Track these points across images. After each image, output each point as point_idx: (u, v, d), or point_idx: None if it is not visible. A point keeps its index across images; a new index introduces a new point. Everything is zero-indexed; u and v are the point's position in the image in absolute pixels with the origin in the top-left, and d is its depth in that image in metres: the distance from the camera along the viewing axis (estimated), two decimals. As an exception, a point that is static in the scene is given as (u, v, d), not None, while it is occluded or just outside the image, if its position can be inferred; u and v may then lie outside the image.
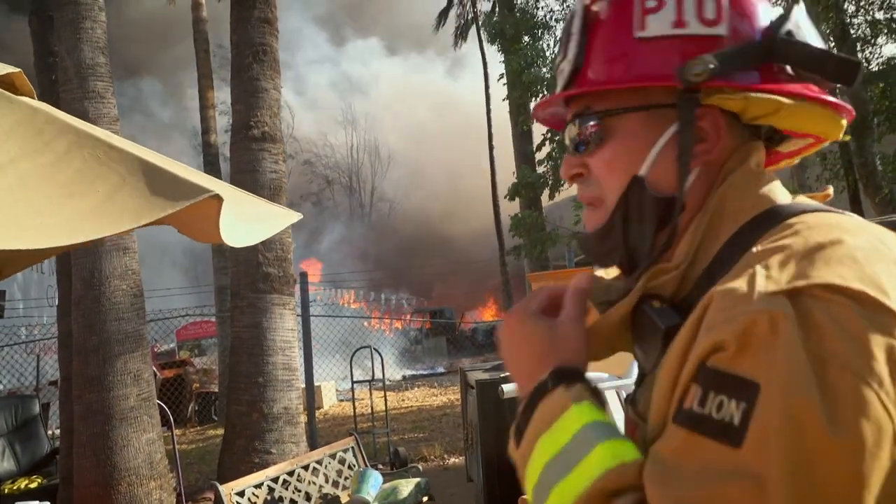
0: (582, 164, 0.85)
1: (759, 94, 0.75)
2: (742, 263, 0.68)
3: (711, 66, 0.74)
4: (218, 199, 2.07)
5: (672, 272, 0.76)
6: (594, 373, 3.08)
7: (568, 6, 15.57)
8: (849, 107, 0.80)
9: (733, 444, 0.57)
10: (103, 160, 2.19)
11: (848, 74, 0.76)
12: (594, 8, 0.83)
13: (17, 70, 2.60)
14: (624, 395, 2.85)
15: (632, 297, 0.78)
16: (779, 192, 0.78)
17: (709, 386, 0.61)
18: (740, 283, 0.63)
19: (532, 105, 14.82)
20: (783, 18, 0.78)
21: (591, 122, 0.82)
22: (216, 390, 13.08)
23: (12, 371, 12.04)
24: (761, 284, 0.62)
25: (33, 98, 2.63)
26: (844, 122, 0.81)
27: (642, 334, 0.78)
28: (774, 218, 0.73)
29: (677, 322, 0.71)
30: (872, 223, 0.71)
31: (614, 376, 3.39)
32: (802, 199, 0.79)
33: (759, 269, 0.64)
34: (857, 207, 13.17)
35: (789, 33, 0.77)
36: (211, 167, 13.69)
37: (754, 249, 0.68)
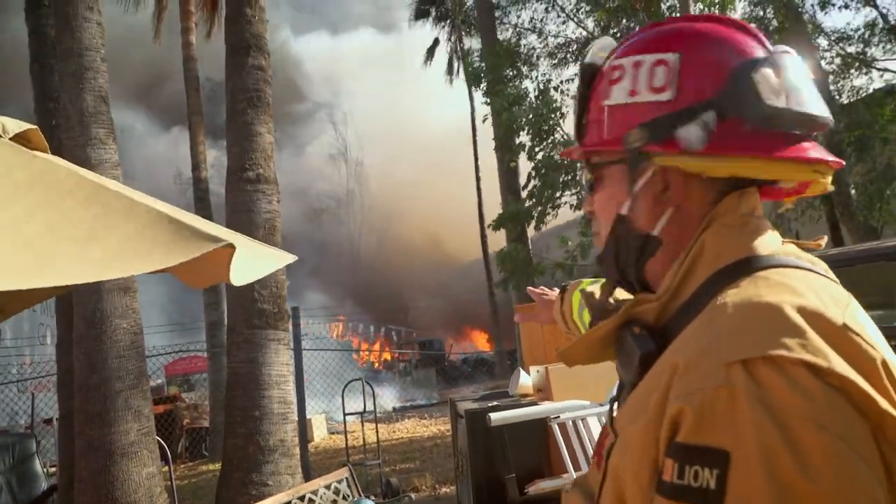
0: (591, 202, 1.00)
1: (690, 159, 0.83)
2: (705, 315, 0.77)
3: (646, 133, 0.85)
4: (231, 247, 2.27)
5: (653, 302, 0.85)
6: (578, 401, 3.27)
7: (548, 43, 15.98)
8: (825, 157, 0.84)
9: None
10: (121, 211, 2.36)
11: (807, 126, 0.83)
12: (589, 76, 0.97)
13: (34, 127, 2.79)
14: (604, 421, 3.05)
15: (614, 320, 0.88)
16: (763, 240, 0.84)
17: (684, 460, 0.67)
18: (699, 353, 0.71)
19: (518, 141, 15.16)
20: (743, 71, 0.83)
21: (590, 171, 0.99)
22: (207, 425, 13.06)
23: (4, 408, 12.02)
24: (719, 356, 0.69)
25: (48, 153, 2.81)
26: (822, 176, 0.86)
27: (622, 353, 0.87)
28: (747, 268, 0.80)
29: (652, 350, 0.81)
30: (827, 282, 0.80)
31: (596, 403, 3.59)
32: (789, 248, 0.86)
33: (716, 339, 0.71)
34: (836, 235, 13.46)
35: (745, 89, 0.82)
36: (201, 202, 13.86)
37: (718, 300, 0.76)
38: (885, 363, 0.69)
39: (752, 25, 0.92)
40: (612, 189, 0.94)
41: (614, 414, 0.90)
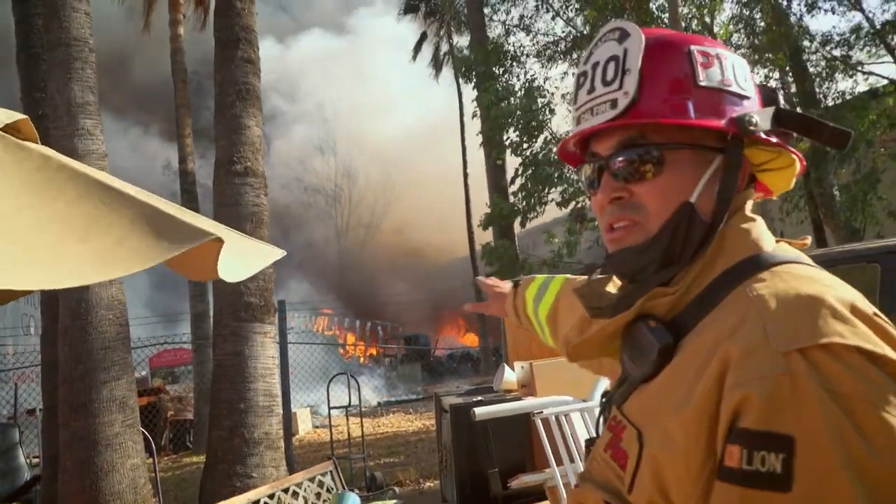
0: (625, 189, 0.91)
1: (786, 152, 0.91)
2: (738, 306, 0.79)
3: (759, 121, 0.87)
4: (219, 241, 2.29)
5: (669, 296, 0.86)
6: (562, 396, 3.32)
7: (539, 40, 16.00)
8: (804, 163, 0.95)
9: (783, 490, 0.67)
10: (113, 206, 2.34)
11: (841, 140, 0.89)
12: (649, 51, 0.91)
13: (25, 117, 2.79)
14: (587, 416, 3.09)
15: (631, 313, 0.88)
16: (766, 238, 0.89)
17: (751, 446, 0.69)
18: (755, 343, 0.73)
19: (506, 138, 15.17)
20: (775, 94, 0.94)
21: (653, 152, 0.89)
22: (191, 418, 13.05)
23: (-15, 399, 11.95)
24: (776, 345, 0.71)
25: (37, 143, 2.81)
26: (793, 182, 0.99)
27: (635, 346, 0.87)
28: (762, 263, 0.84)
29: (670, 342, 0.83)
30: (834, 276, 0.84)
31: (579, 399, 3.63)
32: (784, 246, 0.90)
33: (768, 327, 0.73)
34: (819, 235, 13.60)
35: (786, 105, 0.93)
36: (188, 194, 13.82)
37: (752, 293, 0.79)
38: None
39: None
40: (680, 173, 0.89)
41: (624, 407, 0.88)
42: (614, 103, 0.91)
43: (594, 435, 1.01)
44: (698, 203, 0.88)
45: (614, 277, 1.00)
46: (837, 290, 0.77)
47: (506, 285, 1.75)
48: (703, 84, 0.90)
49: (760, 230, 0.90)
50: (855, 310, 0.74)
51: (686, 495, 0.75)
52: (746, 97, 0.92)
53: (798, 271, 0.82)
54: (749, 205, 0.93)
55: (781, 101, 0.93)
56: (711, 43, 0.94)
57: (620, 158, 0.91)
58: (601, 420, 0.99)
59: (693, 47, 0.91)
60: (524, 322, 1.66)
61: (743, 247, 0.87)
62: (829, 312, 0.73)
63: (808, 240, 1.00)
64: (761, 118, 0.88)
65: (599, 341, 0.94)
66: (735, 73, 0.92)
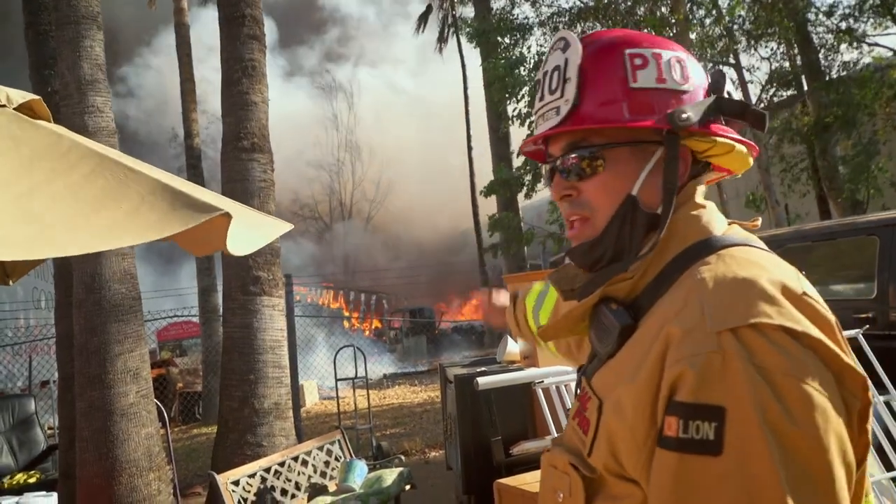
0: (572, 187, 1.01)
1: (721, 139, 0.97)
2: (684, 289, 0.87)
3: (691, 115, 0.94)
4: (227, 216, 2.38)
5: (627, 280, 0.94)
6: (562, 367, 3.43)
7: (542, 12, 15.88)
8: (756, 146, 1.02)
9: (715, 454, 0.75)
10: (124, 181, 2.41)
11: (761, 122, 0.97)
12: (587, 58, 1.00)
13: (37, 98, 2.86)
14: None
15: (594, 297, 0.96)
16: (716, 223, 0.97)
17: (686, 416, 0.77)
18: (693, 323, 0.81)
19: (510, 108, 15.16)
20: (721, 81, 1.00)
21: (592, 153, 0.98)
22: (199, 390, 13.26)
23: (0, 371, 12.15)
24: (711, 326, 0.79)
25: (51, 122, 2.88)
26: (751, 160, 1.04)
27: (599, 326, 0.95)
28: (710, 247, 0.91)
29: (629, 322, 0.91)
30: (777, 257, 0.92)
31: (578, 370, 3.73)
32: (735, 229, 0.98)
33: (705, 308, 0.81)
34: (823, 208, 13.61)
35: (728, 92, 0.99)
36: (194, 170, 13.89)
37: (697, 276, 0.87)
38: (836, 323, 0.83)
39: None
40: (620, 170, 0.97)
41: (591, 380, 0.96)
42: (557, 110, 1.00)
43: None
44: (642, 195, 0.97)
45: None
46: (771, 273, 0.85)
47: (504, 298, 1.83)
48: (636, 86, 0.97)
49: (711, 215, 0.98)
50: (785, 290, 0.82)
51: (634, 460, 0.84)
52: (684, 91, 0.98)
53: (741, 254, 0.90)
54: (700, 191, 1.00)
55: (728, 89, 1.00)
56: (650, 42, 1.01)
57: (566, 159, 1.01)
58: (577, 392, 1.07)
59: (627, 51, 0.99)
60: (525, 333, 1.72)
61: (693, 232, 0.95)
62: (760, 294, 0.81)
63: (759, 221, 1.07)
64: (694, 111, 0.95)
65: (567, 323, 1.02)
66: (671, 70, 0.98)
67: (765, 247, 0.95)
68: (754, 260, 0.88)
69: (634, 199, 0.96)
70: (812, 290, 0.85)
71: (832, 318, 0.82)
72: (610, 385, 0.91)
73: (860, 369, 0.80)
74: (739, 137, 0.99)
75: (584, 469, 0.91)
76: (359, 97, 39.71)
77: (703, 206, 0.98)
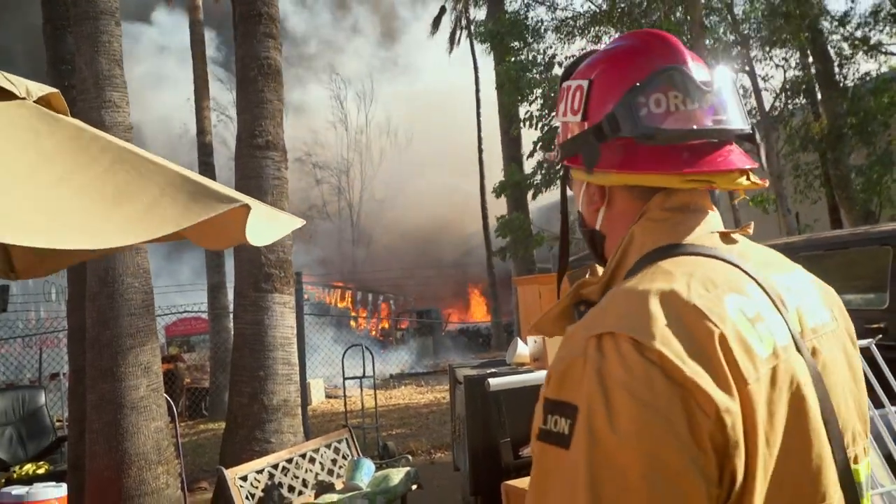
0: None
1: (590, 175, 1.01)
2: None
3: (559, 152, 1.06)
4: (245, 208, 2.40)
5: (595, 285, 1.00)
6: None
7: (558, 16, 15.89)
8: (722, 167, 0.95)
9: (565, 447, 0.79)
10: (144, 173, 2.43)
11: (693, 139, 0.94)
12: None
13: (56, 91, 2.88)
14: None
15: (565, 300, 1.03)
16: (680, 232, 0.95)
17: (549, 410, 0.82)
18: (574, 329, 0.87)
19: (522, 111, 15.16)
20: (630, 93, 0.95)
21: (564, 172, 1.12)
22: (207, 386, 13.30)
23: (9, 364, 12.22)
24: (584, 331, 0.84)
25: (68, 116, 2.91)
26: (693, 175, 0.95)
27: None
28: (654, 257, 0.93)
29: None
30: (717, 267, 0.89)
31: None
32: (703, 238, 0.95)
33: (589, 316, 0.88)
34: (835, 217, 13.54)
35: (626, 111, 0.94)
36: (206, 166, 13.95)
37: (614, 287, 0.93)
38: (722, 337, 0.80)
39: (676, 39, 1.03)
40: (574, 191, 1.12)
41: None
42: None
43: None
44: (583, 212, 1.09)
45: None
46: (671, 284, 0.85)
47: None
48: (561, 119, 1.07)
49: (675, 225, 0.96)
50: (673, 300, 0.82)
51: None
52: (578, 122, 1.02)
53: (670, 265, 0.89)
54: (668, 200, 0.97)
55: (629, 104, 0.95)
56: (585, 69, 1.04)
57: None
58: None
59: (565, 83, 1.07)
60: None
61: (652, 240, 0.96)
62: (633, 305, 0.83)
63: (751, 227, 1.06)
64: (563, 147, 1.06)
65: (549, 320, 1.07)
66: (571, 101, 1.03)
67: (721, 255, 0.93)
68: (673, 270, 0.88)
69: (579, 213, 1.11)
70: (720, 304, 0.83)
71: (720, 331, 0.80)
72: None
73: (714, 391, 0.77)
74: (631, 167, 0.96)
75: None
76: (370, 97, 39.78)
77: (668, 217, 0.97)
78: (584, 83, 1.02)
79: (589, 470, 0.76)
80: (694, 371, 0.77)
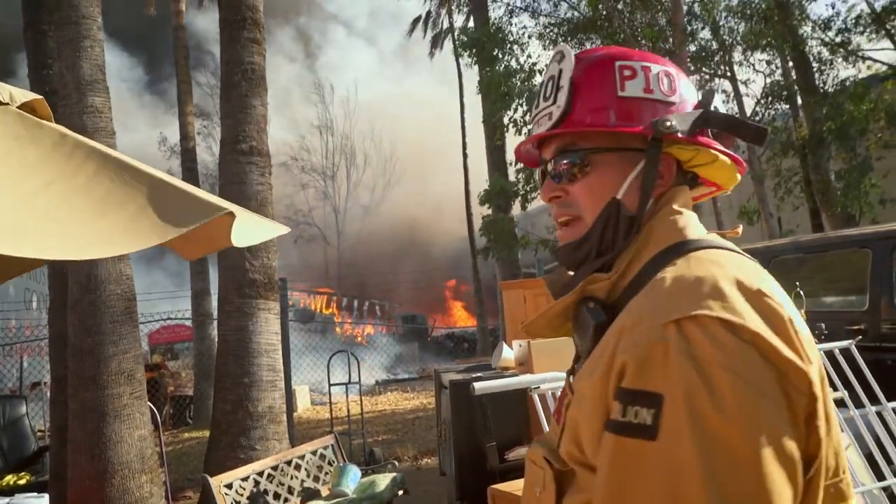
0: (561, 189, 1.06)
1: (705, 149, 1.03)
2: (648, 288, 0.91)
3: (675, 123, 0.99)
4: (230, 216, 2.39)
5: (605, 281, 0.98)
6: (557, 373, 3.45)
7: (541, 21, 15.98)
8: (743, 162, 1.08)
9: (650, 439, 0.78)
10: (129, 181, 2.41)
11: (759, 137, 1.02)
12: (580, 69, 1.06)
13: (40, 97, 2.86)
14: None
15: (572, 295, 1.00)
16: (692, 228, 1.00)
17: (627, 401, 0.81)
18: (641, 316, 0.85)
19: (505, 118, 15.23)
20: (710, 97, 1.05)
21: (580, 156, 1.04)
22: (191, 394, 13.20)
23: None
24: (658, 318, 0.83)
25: (52, 121, 2.88)
26: (739, 176, 1.10)
27: (579, 325, 0.99)
28: (682, 250, 0.95)
29: (604, 321, 0.94)
30: (744, 259, 0.94)
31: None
32: (712, 236, 1.01)
33: (656, 302, 0.86)
34: (816, 221, 13.69)
35: (715, 107, 1.04)
36: (190, 173, 13.88)
37: (658, 276, 0.90)
38: (791, 320, 0.84)
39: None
40: (606, 174, 1.03)
41: (571, 379, 1.02)
42: (550, 116, 1.07)
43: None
44: (626, 199, 1.02)
45: None
46: (728, 270, 0.88)
47: None
48: (624, 94, 1.03)
49: (687, 221, 1.01)
50: (739, 286, 0.85)
51: (592, 446, 0.87)
52: (671, 102, 1.04)
53: (707, 256, 0.93)
54: (679, 197, 1.04)
55: (716, 104, 1.05)
56: (641, 57, 1.07)
57: (556, 162, 1.07)
58: None
59: (618, 63, 1.05)
60: None
61: (668, 236, 0.99)
62: (707, 289, 0.84)
63: (740, 229, 1.12)
64: (679, 120, 1.01)
65: (548, 320, 1.05)
66: (659, 82, 1.04)
67: (737, 249, 0.98)
68: (716, 260, 0.91)
69: (618, 202, 1.01)
70: (771, 289, 0.87)
71: (787, 315, 0.84)
72: (579, 380, 0.95)
73: (805, 366, 0.81)
74: (723, 149, 1.04)
75: (555, 462, 0.96)
76: (356, 102, 39.71)
77: (681, 212, 1.02)
78: (672, 70, 1.07)
79: (700, 454, 0.75)
80: (786, 351, 0.81)
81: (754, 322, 0.81)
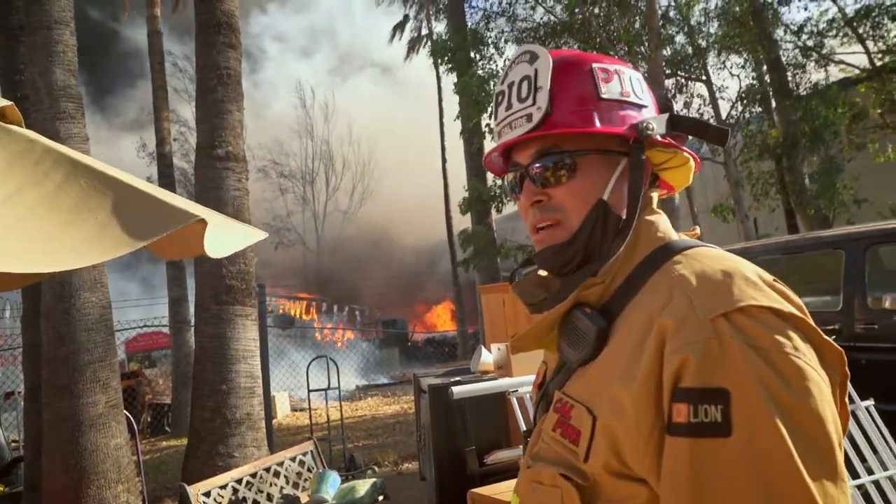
0: (543, 193, 1.03)
1: (680, 152, 1.05)
2: (665, 285, 0.90)
3: (655, 126, 1.00)
4: (203, 223, 2.36)
5: (599, 285, 0.97)
6: (533, 375, 3.46)
7: (518, 26, 16.05)
8: (699, 161, 1.11)
9: (725, 435, 0.77)
10: (99, 188, 2.37)
11: (722, 138, 1.03)
12: (557, 71, 1.03)
13: (10, 103, 2.82)
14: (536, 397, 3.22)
15: (567, 302, 0.97)
16: (671, 230, 1.03)
17: (694, 401, 0.79)
18: (684, 314, 0.84)
19: (484, 124, 15.26)
20: (669, 104, 1.08)
21: (563, 158, 1.01)
22: (169, 402, 13.06)
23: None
24: (703, 314, 0.82)
25: (22, 127, 2.84)
26: (692, 176, 1.13)
27: (572, 333, 0.96)
28: (673, 249, 0.96)
29: (604, 325, 0.93)
30: (732, 254, 0.97)
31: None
32: (683, 236, 1.03)
33: (693, 299, 0.85)
34: (791, 223, 13.85)
35: (677, 111, 1.08)
36: (166, 178, 13.76)
37: (675, 273, 0.91)
38: (805, 308, 0.88)
39: None
40: (591, 176, 1.01)
41: (565, 389, 0.98)
42: (529, 117, 1.03)
43: (531, 425, 1.11)
44: (610, 200, 1.01)
45: (539, 273, 1.10)
46: (744, 264, 0.91)
47: None
48: (604, 97, 1.02)
49: (665, 222, 1.04)
50: (760, 276, 0.89)
51: (641, 455, 0.85)
52: (644, 106, 1.06)
53: (707, 252, 0.96)
54: (654, 200, 1.07)
55: (675, 108, 1.09)
56: (611, 60, 1.07)
57: (538, 165, 1.04)
58: (538, 408, 1.08)
59: (594, 65, 1.04)
60: None
61: (655, 237, 1.00)
62: (743, 281, 0.86)
63: (698, 230, 1.14)
64: (657, 123, 1.02)
65: (538, 333, 1.02)
66: (632, 85, 1.05)
67: (716, 247, 1.00)
68: (722, 256, 0.93)
69: (605, 203, 1.00)
70: (777, 280, 0.91)
71: (801, 301, 0.88)
72: (596, 389, 0.91)
73: (839, 350, 0.86)
74: (691, 152, 1.07)
75: (577, 478, 0.91)
76: (333, 107, 39.60)
77: (660, 214, 1.04)
78: (638, 74, 1.08)
79: (785, 439, 0.76)
80: (821, 332, 0.85)
81: (793, 308, 0.85)
